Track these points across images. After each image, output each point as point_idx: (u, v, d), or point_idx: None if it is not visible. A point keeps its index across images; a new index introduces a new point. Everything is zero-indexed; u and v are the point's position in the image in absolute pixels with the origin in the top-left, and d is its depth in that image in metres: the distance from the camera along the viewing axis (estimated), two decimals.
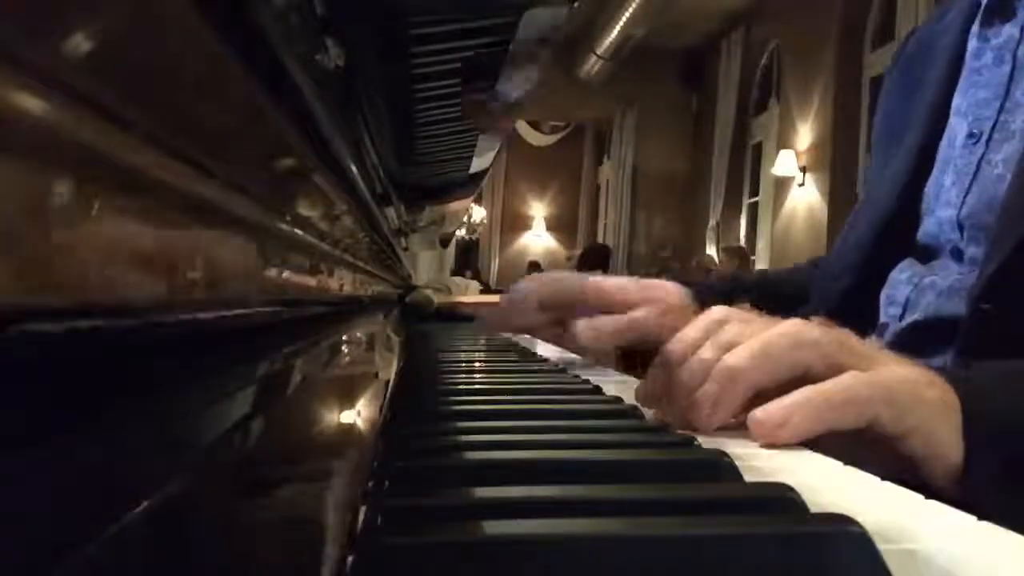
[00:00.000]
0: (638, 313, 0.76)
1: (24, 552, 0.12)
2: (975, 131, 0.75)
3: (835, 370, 0.47)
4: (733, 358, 0.48)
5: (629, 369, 0.94)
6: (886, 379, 0.46)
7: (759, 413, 0.45)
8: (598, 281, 0.83)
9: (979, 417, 0.46)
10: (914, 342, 0.73)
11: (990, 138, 0.74)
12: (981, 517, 0.32)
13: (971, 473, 0.45)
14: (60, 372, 0.17)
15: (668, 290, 0.81)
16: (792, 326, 0.49)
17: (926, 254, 0.79)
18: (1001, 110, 0.74)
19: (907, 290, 0.78)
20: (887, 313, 0.80)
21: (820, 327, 0.50)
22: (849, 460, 0.42)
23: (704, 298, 0.79)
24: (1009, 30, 0.76)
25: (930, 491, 0.35)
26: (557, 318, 0.86)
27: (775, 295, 0.56)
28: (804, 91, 6.85)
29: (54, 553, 0.13)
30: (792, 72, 7.20)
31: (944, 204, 0.77)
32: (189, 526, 0.18)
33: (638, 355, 0.90)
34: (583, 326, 0.77)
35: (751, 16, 7.96)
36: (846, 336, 0.50)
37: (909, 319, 0.76)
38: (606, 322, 0.77)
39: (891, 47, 5.21)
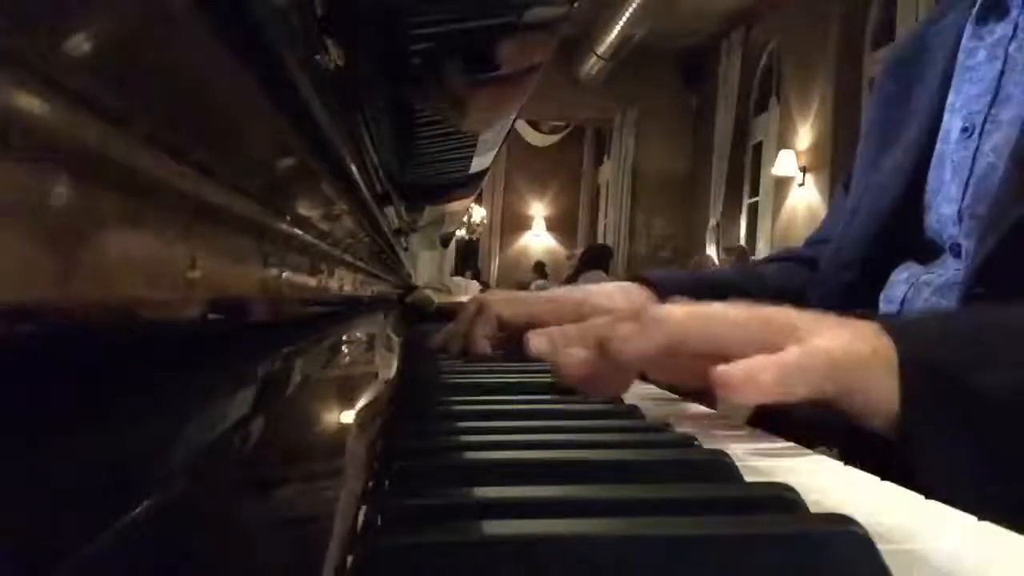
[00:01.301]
0: (596, 322, 0.75)
1: (24, 552, 0.12)
2: (967, 125, 0.77)
3: (766, 350, 0.47)
4: (665, 312, 0.50)
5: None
6: (825, 348, 0.46)
7: (720, 369, 0.45)
8: (559, 292, 0.82)
9: (913, 360, 0.46)
10: None
11: (982, 131, 0.75)
12: (980, 517, 0.32)
13: (908, 415, 0.45)
14: (60, 372, 0.17)
15: (632, 297, 0.81)
16: (725, 307, 0.50)
17: (928, 252, 0.80)
18: (992, 103, 0.75)
19: (904, 288, 0.78)
20: (885, 311, 0.81)
21: (751, 308, 0.50)
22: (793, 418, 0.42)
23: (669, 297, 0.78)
24: (1002, 28, 0.77)
25: (929, 491, 0.35)
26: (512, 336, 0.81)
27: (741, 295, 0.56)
28: (804, 91, 6.86)
29: (54, 553, 0.13)
30: (792, 72, 7.21)
31: (945, 199, 0.78)
32: (189, 526, 0.18)
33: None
34: (533, 334, 0.72)
35: (751, 16, 7.96)
36: (772, 313, 0.50)
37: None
38: (556, 331, 0.75)
39: (891, 47, 5.21)
